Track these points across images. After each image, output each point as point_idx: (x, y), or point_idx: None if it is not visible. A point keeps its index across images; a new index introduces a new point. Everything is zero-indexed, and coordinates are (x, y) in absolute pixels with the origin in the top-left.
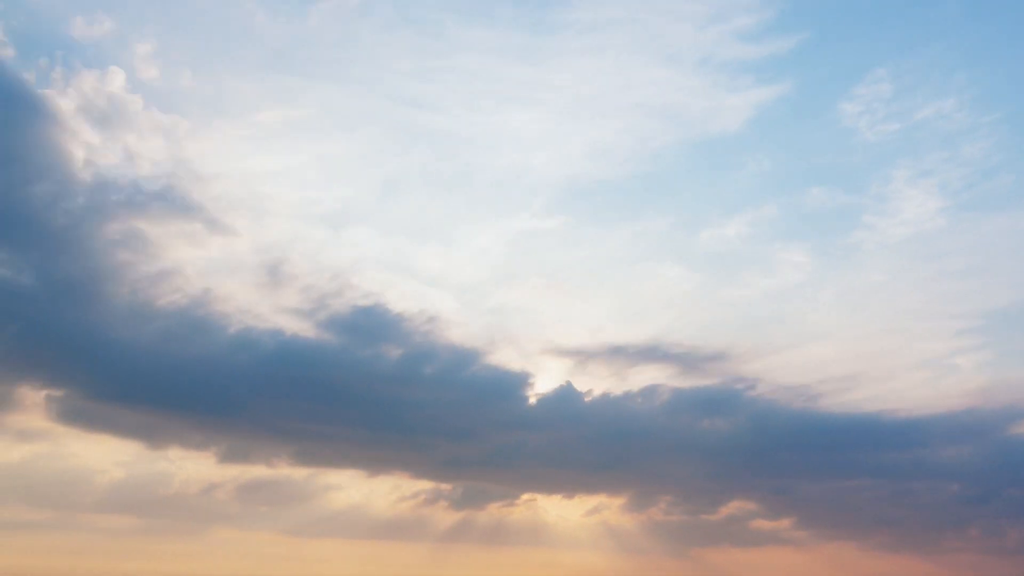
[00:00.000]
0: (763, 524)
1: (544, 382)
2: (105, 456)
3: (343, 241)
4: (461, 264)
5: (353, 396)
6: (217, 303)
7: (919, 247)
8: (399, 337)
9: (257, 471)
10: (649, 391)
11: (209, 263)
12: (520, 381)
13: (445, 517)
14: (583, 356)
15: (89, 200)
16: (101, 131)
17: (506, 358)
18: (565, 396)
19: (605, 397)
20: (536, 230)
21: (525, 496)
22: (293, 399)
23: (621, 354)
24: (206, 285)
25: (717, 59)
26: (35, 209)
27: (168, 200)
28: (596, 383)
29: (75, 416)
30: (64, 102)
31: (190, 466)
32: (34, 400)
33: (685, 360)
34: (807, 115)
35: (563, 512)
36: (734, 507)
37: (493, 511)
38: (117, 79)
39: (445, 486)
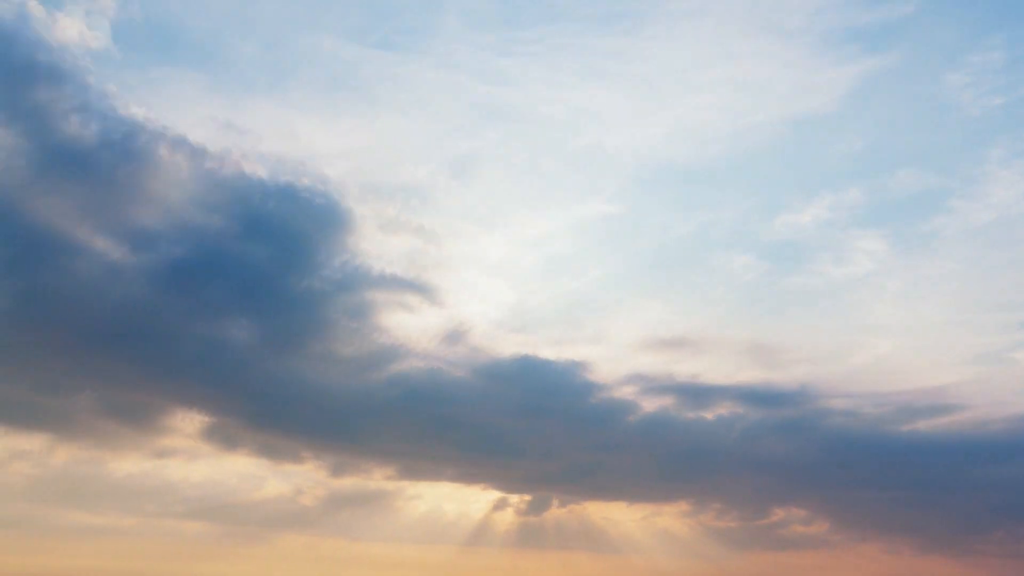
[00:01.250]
0: (802, 529)
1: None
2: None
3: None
4: (522, 252)
5: (448, 417)
6: None
7: (1000, 233)
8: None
9: (361, 484)
10: (701, 396)
11: None
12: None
13: (521, 523)
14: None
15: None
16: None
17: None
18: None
19: (662, 409)
20: (607, 216)
21: (591, 505)
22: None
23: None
24: None
25: (821, 26)
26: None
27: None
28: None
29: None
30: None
31: (305, 479)
32: (192, 425)
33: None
34: (910, 88)
35: (625, 518)
36: (779, 514)
37: (562, 517)
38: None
39: (524, 496)
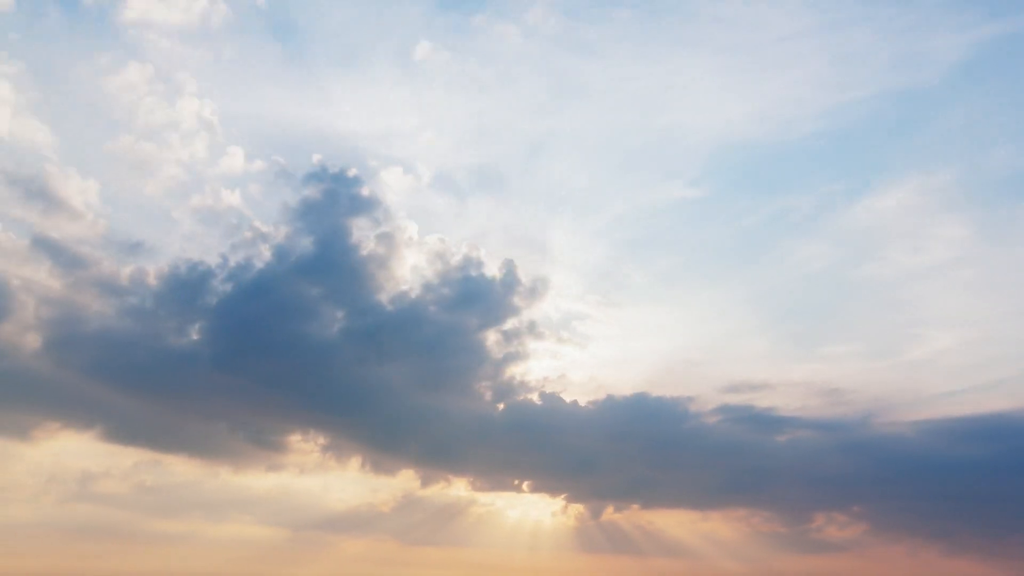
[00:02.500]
0: (840, 533)
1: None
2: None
3: (470, 210)
4: (591, 240)
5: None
6: None
7: None
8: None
9: (452, 495)
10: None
11: None
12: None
13: (582, 527)
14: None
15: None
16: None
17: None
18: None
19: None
20: (682, 201)
21: (647, 512)
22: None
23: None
24: None
25: None
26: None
27: None
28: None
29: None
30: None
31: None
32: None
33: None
34: None
35: (679, 522)
36: (820, 519)
37: (620, 523)
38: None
39: (601, 504)
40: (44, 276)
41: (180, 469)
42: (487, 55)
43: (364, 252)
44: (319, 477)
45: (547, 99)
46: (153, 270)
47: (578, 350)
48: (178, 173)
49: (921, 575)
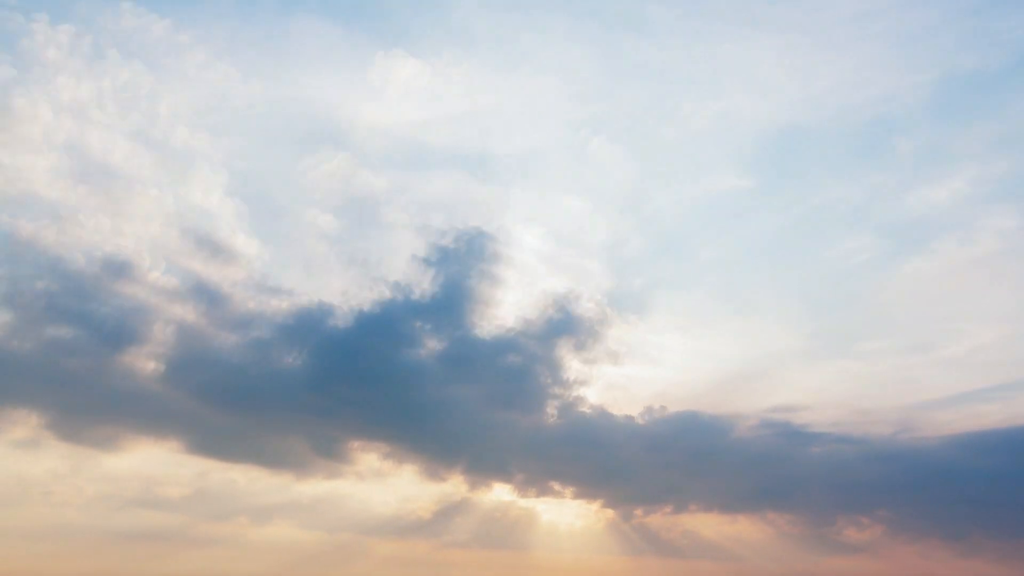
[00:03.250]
0: (859, 535)
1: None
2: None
3: (510, 199)
4: (628, 233)
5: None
6: None
7: None
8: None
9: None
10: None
11: None
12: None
13: (615, 529)
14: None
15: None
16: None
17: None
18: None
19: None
20: (727, 191)
21: (678, 516)
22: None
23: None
24: None
25: None
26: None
27: None
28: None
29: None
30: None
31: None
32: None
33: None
34: None
35: (707, 525)
36: (843, 522)
37: (653, 527)
38: None
39: (617, 509)
40: (188, 313)
41: (246, 477)
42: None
43: (470, 288)
44: (375, 484)
45: (594, 82)
46: (285, 307)
47: (636, 368)
48: (332, 227)
49: (937, 575)
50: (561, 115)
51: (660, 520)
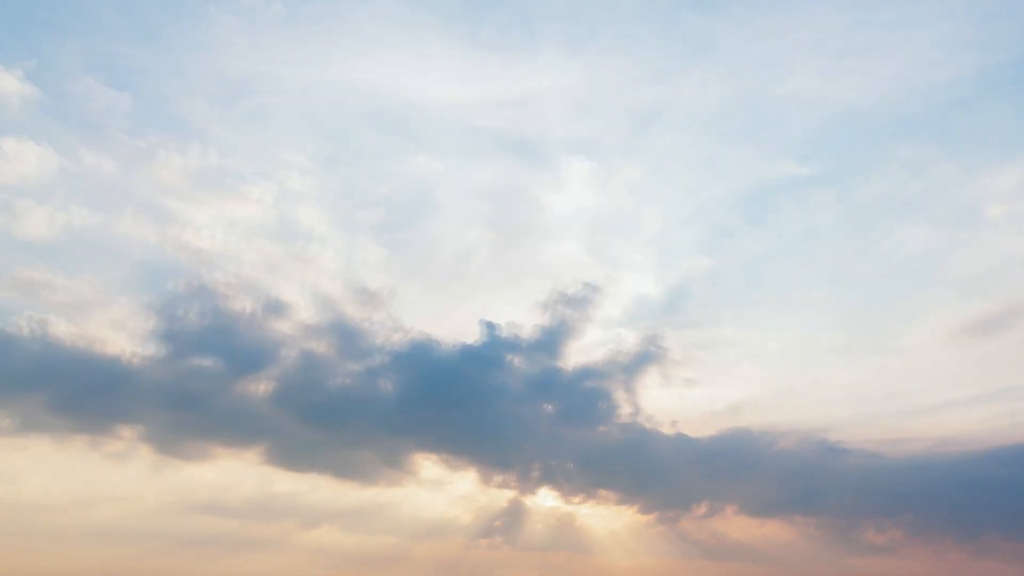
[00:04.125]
0: (881, 538)
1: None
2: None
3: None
4: (679, 224)
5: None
6: None
7: None
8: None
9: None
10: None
11: None
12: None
13: (646, 532)
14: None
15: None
16: None
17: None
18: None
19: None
20: (784, 181)
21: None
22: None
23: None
24: None
25: None
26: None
27: None
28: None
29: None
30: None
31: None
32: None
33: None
34: None
35: (737, 528)
36: (867, 526)
37: (691, 530)
38: None
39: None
40: (316, 345)
41: (311, 485)
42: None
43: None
44: (435, 491)
45: (667, 63)
46: (397, 338)
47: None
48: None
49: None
50: (622, 99)
51: (689, 523)
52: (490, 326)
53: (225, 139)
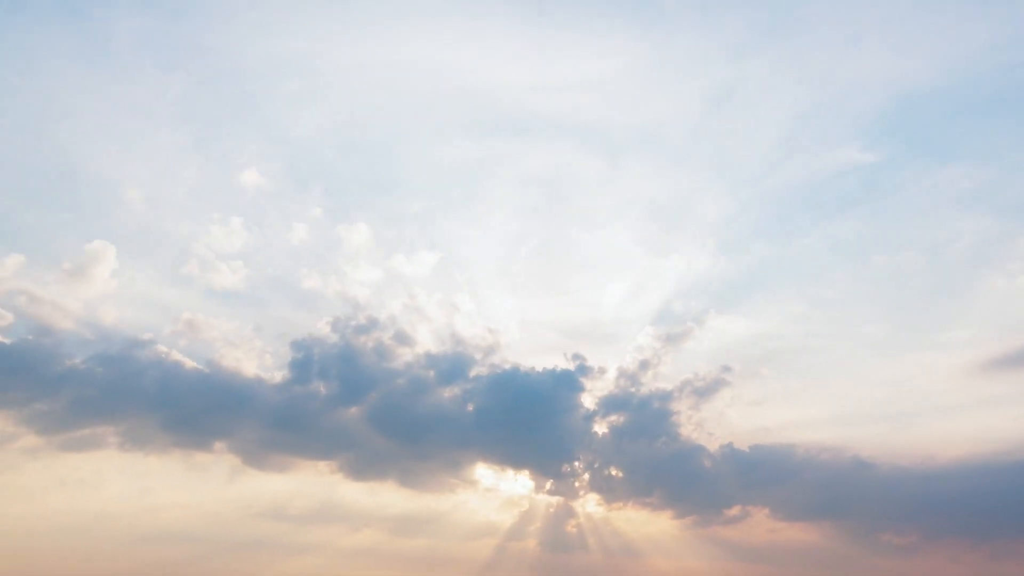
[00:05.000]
0: (900, 540)
1: None
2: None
3: (619, 173)
4: (737, 212)
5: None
6: None
7: None
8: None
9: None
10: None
11: None
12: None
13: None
14: None
15: None
16: None
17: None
18: None
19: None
20: (847, 168)
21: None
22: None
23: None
24: None
25: None
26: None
27: None
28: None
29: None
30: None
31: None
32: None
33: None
34: None
35: (757, 532)
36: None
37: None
38: None
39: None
40: (420, 369)
41: (373, 492)
42: None
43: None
44: (486, 498)
45: (736, 40)
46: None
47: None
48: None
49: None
50: (691, 81)
51: (727, 528)
52: (576, 357)
53: None
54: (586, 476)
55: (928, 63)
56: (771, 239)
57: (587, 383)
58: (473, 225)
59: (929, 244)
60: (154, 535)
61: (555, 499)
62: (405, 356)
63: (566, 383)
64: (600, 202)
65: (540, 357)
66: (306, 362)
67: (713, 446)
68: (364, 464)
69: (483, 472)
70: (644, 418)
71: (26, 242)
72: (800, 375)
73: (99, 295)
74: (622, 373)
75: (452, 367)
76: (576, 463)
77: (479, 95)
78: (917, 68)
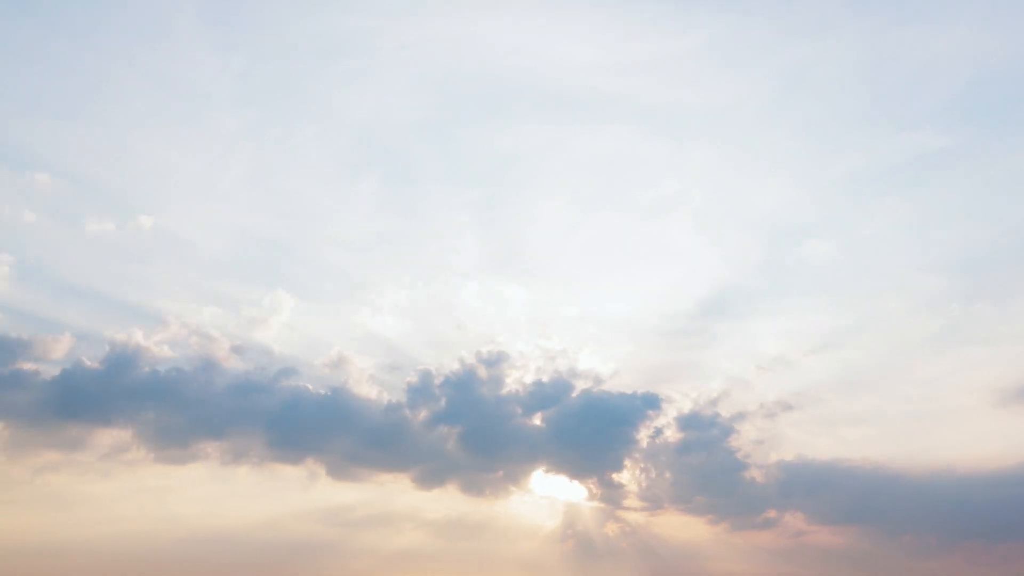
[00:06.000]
0: (934, 543)
1: None
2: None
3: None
4: (797, 199)
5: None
6: None
7: None
8: None
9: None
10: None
11: None
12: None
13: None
14: None
15: None
16: None
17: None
18: None
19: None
20: (918, 153)
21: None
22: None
23: None
24: None
25: None
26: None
27: None
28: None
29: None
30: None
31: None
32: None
33: None
34: None
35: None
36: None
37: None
38: None
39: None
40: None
41: (435, 499)
42: None
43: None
44: (538, 505)
45: (818, 12)
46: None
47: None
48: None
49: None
50: (765, 60)
51: (763, 533)
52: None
53: None
54: (636, 485)
55: (1012, 37)
56: (832, 229)
57: (655, 413)
58: (527, 213)
59: (992, 231)
60: (224, 540)
61: (601, 505)
62: (503, 384)
63: (641, 409)
64: (661, 189)
65: (598, 356)
66: (423, 388)
67: (764, 459)
68: (433, 474)
69: (541, 479)
70: (703, 434)
71: None
72: (854, 386)
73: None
74: (695, 403)
75: (543, 396)
76: (628, 473)
77: (542, 75)
78: (1001, 42)
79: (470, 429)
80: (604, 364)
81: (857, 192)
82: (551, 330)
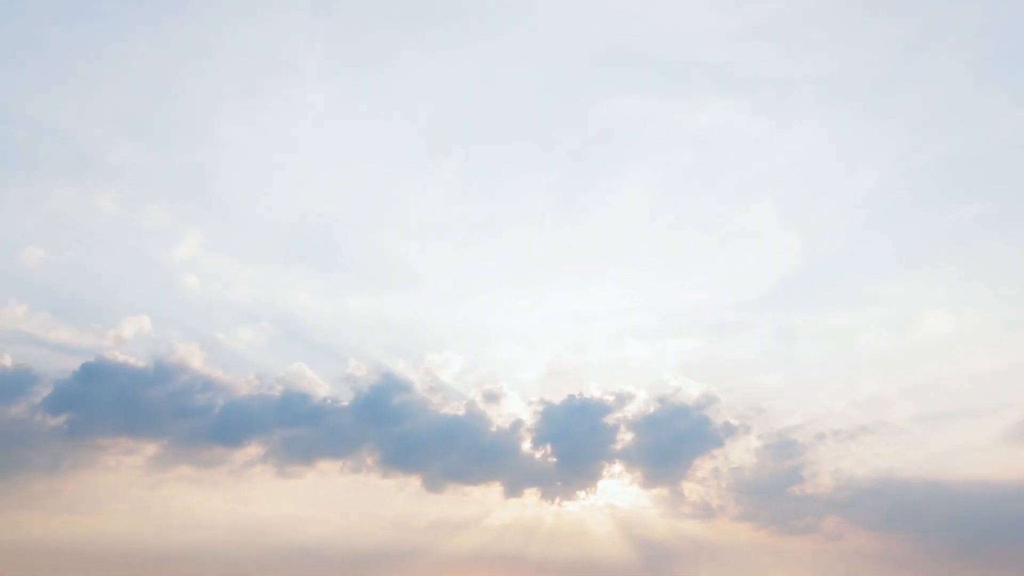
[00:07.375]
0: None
1: None
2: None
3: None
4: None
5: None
6: None
7: None
8: None
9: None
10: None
11: None
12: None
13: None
14: None
15: None
16: None
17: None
18: None
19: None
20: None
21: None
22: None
23: None
24: None
25: None
26: None
27: None
28: None
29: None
30: None
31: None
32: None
33: None
34: None
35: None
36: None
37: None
38: None
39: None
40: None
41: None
42: None
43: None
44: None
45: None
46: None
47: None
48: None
49: None
50: (880, 26)
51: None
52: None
53: None
54: (696, 495)
55: None
56: (916, 217)
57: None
58: (611, 194)
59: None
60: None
61: (667, 511)
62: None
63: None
64: (756, 169)
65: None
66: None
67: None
68: (519, 483)
69: (607, 485)
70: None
71: None
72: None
73: None
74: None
75: (619, 404)
76: (695, 483)
77: (642, 42)
78: None
79: (561, 447)
80: (674, 376)
81: (956, 173)
82: (625, 335)
